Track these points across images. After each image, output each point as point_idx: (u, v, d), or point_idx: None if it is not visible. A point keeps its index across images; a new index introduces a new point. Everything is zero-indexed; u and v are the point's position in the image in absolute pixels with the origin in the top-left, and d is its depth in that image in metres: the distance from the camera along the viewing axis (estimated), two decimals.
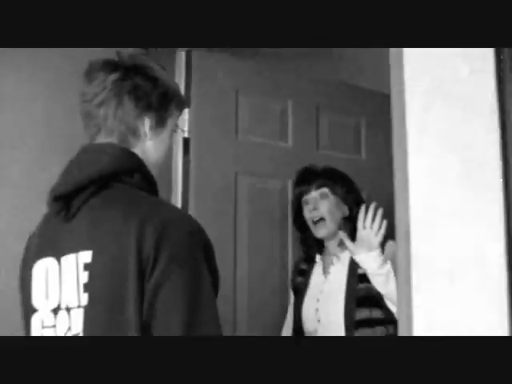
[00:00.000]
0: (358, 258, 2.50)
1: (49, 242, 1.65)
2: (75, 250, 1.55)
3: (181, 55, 3.06)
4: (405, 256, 1.74)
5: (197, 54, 3.04)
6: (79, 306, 1.52)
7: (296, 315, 2.84)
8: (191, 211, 2.95)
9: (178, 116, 1.82)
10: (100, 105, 1.64)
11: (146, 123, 1.68)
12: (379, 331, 2.61)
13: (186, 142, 3.03)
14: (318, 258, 2.90)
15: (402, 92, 1.79)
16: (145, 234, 1.46)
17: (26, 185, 2.70)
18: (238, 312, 3.02)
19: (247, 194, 3.14)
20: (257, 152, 3.17)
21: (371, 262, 2.46)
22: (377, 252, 2.45)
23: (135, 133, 1.67)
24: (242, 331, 2.99)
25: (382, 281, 2.45)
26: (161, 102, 1.70)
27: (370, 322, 2.62)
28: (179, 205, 3.00)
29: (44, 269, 1.61)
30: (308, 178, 2.85)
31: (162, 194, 2.96)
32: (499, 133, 1.69)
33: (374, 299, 2.59)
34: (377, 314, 2.63)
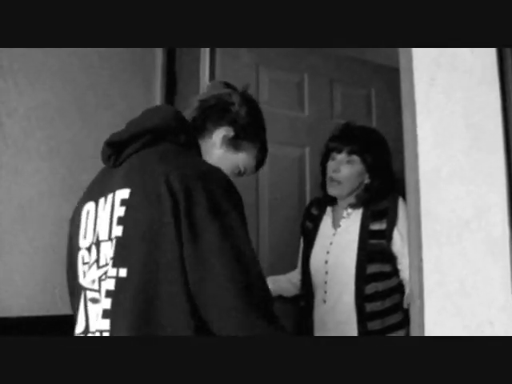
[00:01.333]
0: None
1: (94, 188, 1.77)
2: (113, 190, 1.63)
3: None
4: (414, 212, 1.84)
5: None
6: (110, 239, 1.59)
7: (304, 262, 2.88)
8: None
9: (250, 164, 1.91)
10: (200, 100, 1.87)
11: (222, 131, 1.83)
12: (387, 284, 2.67)
13: None
14: (329, 209, 2.90)
15: (409, 63, 1.89)
16: (174, 180, 1.51)
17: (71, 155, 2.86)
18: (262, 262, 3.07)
19: (268, 159, 3.17)
20: (276, 121, 3.24)
21: None
22: None
23: (209, 133, 1.84)
24: None
25: None
26: (244, 128, 1.85)
27: (379, 276, 2.66)
28: None
29: (86, 212, 1.72)
30: (346, 136, 2.81)
31: None
32: (500, 98, 1.76)
33: (385, 255, 2.66)
34: (386, 268, 2.67)
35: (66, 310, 2.68)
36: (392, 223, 2.65)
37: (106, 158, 1.73)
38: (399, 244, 2.64)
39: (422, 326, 1.74)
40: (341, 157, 2.78)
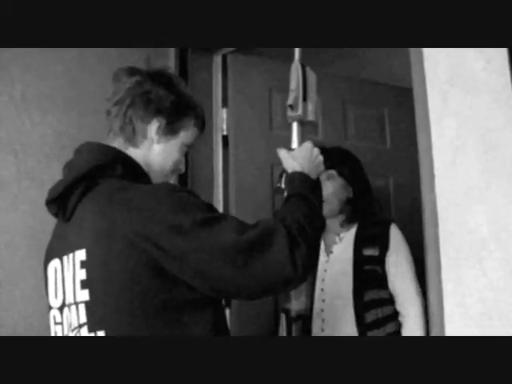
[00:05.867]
0: None
1: (56, 243, 1.71)
2: (72, 249, 1.58)
3: (217, 59, 3.21)
4: (433, 238, 1.82)
5: (232, 56, 3.19)
6: (76, 303, 1.55)
7: None
8: (232, 202, 3.10)
9: (194, 134, 1.80)
10: (115, 103, 1.72)
11: (153, 125, 1.69)
12: (387, 310, 2.63)
13: (225, 138, 3.18)
14: None
15: (423, 83, 1.89)
16: (122, 221, 1.48)
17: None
18: None
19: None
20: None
21: None
22: None
23: (142, 134, 1.70)
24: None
25: None
26: (173, 110, 1.71)
27: (378, 302, 2.63)
28: (220, 196, 3.15)
29: (53, 269, 1.66)
30: None
31: (204, 188, 3.16)
32: None
33: (380, 281, 2.63)
34: (383, 294, 2.64)
35: None
36: (384, 249, 2.64)
37: (54, 214, 1.69)
38: (389, 270, 2.64)
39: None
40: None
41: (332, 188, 2.75)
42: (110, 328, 1.49)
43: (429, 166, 1.84)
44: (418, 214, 2.72)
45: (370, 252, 2.66)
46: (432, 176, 1.83)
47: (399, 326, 2.63)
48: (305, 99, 1.91)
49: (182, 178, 3.12)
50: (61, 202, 1.64)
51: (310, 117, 1.92)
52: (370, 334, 2.58)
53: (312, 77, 1.97)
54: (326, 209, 2.68)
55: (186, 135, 1.76)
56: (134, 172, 1.68)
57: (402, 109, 3.55)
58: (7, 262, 2.60)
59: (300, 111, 1.92)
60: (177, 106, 1.72)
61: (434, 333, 1.80)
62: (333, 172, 2.76)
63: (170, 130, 1.73)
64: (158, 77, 1.74)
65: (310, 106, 1.92)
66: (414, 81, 1.97)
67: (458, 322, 1.72)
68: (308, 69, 1.97)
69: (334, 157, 2.77)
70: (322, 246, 2.82)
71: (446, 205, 1.81)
